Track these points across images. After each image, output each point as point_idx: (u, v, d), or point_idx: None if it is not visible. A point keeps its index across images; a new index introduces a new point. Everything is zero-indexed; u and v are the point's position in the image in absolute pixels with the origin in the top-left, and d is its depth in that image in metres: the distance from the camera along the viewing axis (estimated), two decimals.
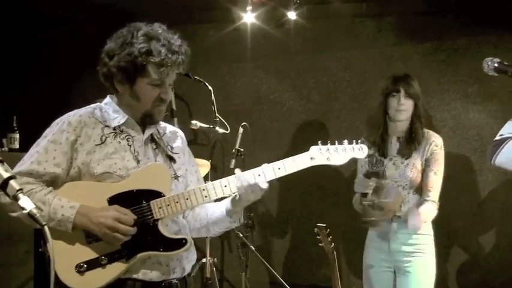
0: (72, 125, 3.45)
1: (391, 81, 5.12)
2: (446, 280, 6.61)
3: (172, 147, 3.71)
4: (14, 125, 6.53)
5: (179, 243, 3.47)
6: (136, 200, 3.44)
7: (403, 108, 5.06)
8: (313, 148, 3.61)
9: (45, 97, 7.12)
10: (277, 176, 3.54)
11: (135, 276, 3.44)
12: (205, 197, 3.51)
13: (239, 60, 7.38)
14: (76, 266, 3.39)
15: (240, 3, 6.83)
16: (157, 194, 3.45)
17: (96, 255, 3.40)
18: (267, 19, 7.01)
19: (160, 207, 3.43)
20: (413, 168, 5.10)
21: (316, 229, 5.14)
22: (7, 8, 7.13)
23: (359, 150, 3.64)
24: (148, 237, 3.43)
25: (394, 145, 5.20)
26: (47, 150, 3.43)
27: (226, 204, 3.63)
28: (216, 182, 3.54)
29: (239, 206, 3.59)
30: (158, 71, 3.39)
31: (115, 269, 3.40)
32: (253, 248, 6.48)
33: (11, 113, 6.60)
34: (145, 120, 3.55)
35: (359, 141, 3.65)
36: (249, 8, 6.74)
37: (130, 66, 3.38)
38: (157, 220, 3.44)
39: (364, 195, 5.04)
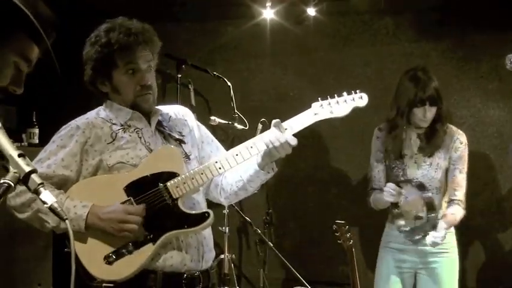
0: (80, 128, 3.52)
1: (415, 91, 4.88)
2: (464, 277, 6.58)
3: (180, 132, 3.75)
4: (34, 119, 6.55)
5: (203, 217, 3.52)
6: (153, 183, 3.48)
7: (428, 118, 4.95)
8: (314, 104, 3.66)
9: (64, 92, 7.14)
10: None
11: (155, 266, 3.46)
12: (219, 168, 3.55)
13: (258, 57, 7.37)
14: (104, 258, 3.42)
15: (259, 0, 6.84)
16: (172, 175, 3.49)
17: (122, 244, 3.43)
18: (286, 15, 7.01)
19: (177, 186, 3.47)
20: (437, 168, 5.01)
21: (334, 226, 5.13)
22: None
23: (360, 99, 3.72)
24: (171, 217, 3.48)
25: (414, 142, 5.10)
26: (56, 154, 3.49)
27: (257, 159, 3.66)
28: (228, 153, 3.59)
29: (270, 160, 3.65)
30: (123, 57, 3.46)
31: (143, 255, 3.44)
32: (271, 245, 6.48)
33: (30, 108, 6.62)
34: (136, 110, 3.60)
35: (357, 90, 3.71)
36: (268, 4, 6.75)
37: (100, 63, 3.50)
38: (176, 199, 3.47)
39: (395, 204, 5.00)
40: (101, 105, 3.73)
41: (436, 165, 5.00)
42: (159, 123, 3.69)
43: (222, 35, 7.32)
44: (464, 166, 5.05)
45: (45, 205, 2.19)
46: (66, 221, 2.22)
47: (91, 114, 3.65)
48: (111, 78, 3.53)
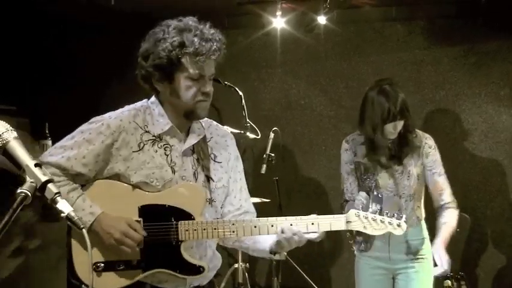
0: (110, 129, 3.41)
1: (388, 106, 4.82)
2: (478, 285, 6.58)
3: (215, 156, 3.65)
4: (46, 131, 6.57)
5: (197, 270, 3.46)
6: (166, 215, 3.43)
7: (398, 130, 4.91)
8: (352, 212, 3.55)
9: (76, 103, 7.17)
10: (309, 231, 3.50)
11: (149, 282, 3.45)
12: (233, 232, 3.47)
13: (269, 66, 7.39)
14: (94, 264, 3.40)
15: (269, 9, 6.85)
16: (187, 216, 3.43)
17: (115, 259, 3.42)
18: (296, 24, 7.02)
19: (187, 230, 3.41)
20: (410, 176, 4.94)
21: (348, 234, 5.12)
22: (36, 15, 7.20)
23: (398, 226, 3.56)
24: (169, 256, 3.43)
25: (383, 152, 5.04)
26: (80, 147, 3.41)
27: (270, 243, 3.57)
28: (247, 222, 3.50)
29: (282, 249, 3.54)
30: (194, 62, 3.31)
31: (129, 277, 3.43)
32: (285, 253, 6.48)
33: (42, 120, 6.65)
34: (189, 117, 3.48)
35: (401, 215, 3.58)
36: (278, 13, 6.76)
37: (166, 62, 3.31)
38: (180, 241, 3.42)
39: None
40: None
41: (408, 172, 4.94)
42: (198, 143, 3.62)
43: (233, 45, 7.34)
44: (441, 168, 5.00)
45: (62, 214, 2.20)
46: (83, 230, 2.23)
47: (128, 116, 3.50)
48: (172, 79, 3.38)
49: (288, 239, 3.44)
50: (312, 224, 3.49)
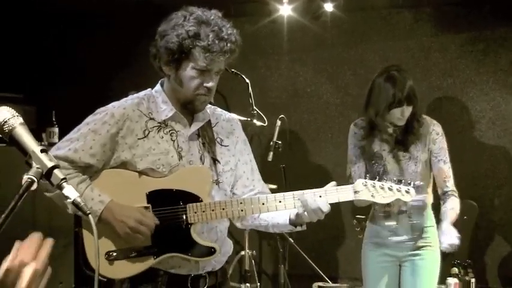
0: (114, 118, 3.42)
1: (394, 91, 4.82)
2: (485, 272, 6.57)
3: (222, 140, 3.66)
4: (53, 119, 6.59)
5: (208, 251, 3.47)
6: (174, 200, 3.44)
7: (406, 116, 4.90)
8: (359, 181, 3.53)
9: (83, 91, 7.18)
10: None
11: (162, 268, 3.46)
12: (241, 210, 3.47)
13: (275, 53, 7.38)
14: (106, 253, 3.42)
15: None
16: (195, 198, 3.45)
17: (127, 247, 3.44)
18: (303, 11, 7.01)
19: (195, 212, 3.42)
20: (417, 162, 4.94)
21: (354, 221, 5.12)
22: (45, 6, 7.20)
23: (406, 193, 3.55)
24: (180, 239, 3.45)
25: (390, 137, 5.03)
26: (86, 138, 3.43)
27: (290, 215, 3.56)
28: (255, 198, 3.51)
29: (301, 221, 3.54)
30: (203, 56, 3.32)
31: (142, 264, 3.44)
32: (292, 241, 6.48)
33: (49, 107, 6.66)
34: (187, 108, 3.49)
35: (409, 182, 3.57)
36: (285, 0, 6.74)
37: (176, 47, 3.32)
38: (190, 224, 3.43)
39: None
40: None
41: (416, 158, 4.93)
42: (203, 128, 3.65)
43: (239, 33, 7.32)
44: (446, 156, 4.99)
45: (68, 200, 2.20)
46: (90, 215, 2.23)
47: (131, 105, 3.52)
48: (179, 67, 3.40)
49: (308, 211, 3.42)
50: (320, 197, 3.47)
